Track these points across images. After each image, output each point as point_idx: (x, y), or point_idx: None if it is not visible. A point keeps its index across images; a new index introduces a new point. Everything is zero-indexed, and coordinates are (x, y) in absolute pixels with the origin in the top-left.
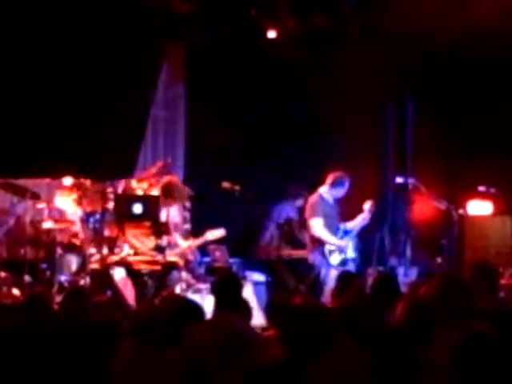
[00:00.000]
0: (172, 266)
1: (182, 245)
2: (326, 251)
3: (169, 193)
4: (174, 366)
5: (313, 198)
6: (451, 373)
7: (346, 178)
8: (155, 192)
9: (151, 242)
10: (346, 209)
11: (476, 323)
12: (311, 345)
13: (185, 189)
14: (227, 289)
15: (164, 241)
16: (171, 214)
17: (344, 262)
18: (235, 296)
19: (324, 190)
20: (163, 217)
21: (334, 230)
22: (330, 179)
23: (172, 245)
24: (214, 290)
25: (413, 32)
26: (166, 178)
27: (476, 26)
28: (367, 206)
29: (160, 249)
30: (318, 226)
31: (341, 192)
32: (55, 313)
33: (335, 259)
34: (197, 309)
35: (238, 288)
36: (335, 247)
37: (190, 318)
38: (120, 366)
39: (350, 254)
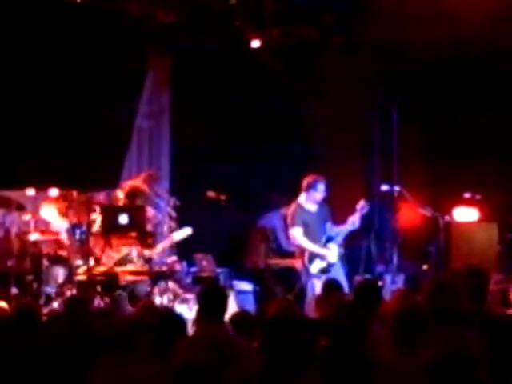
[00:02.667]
0: (159, 275)
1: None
2: (307, 259)
3: (132, 198)
4: (158, 379)
5: (292, 208)
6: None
7: (319, 181)
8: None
9: (116, 254)
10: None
11: (464, 330)
12: (289, 356)
13: (148, 193)
14: (212, 298)
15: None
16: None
17: (325, 270)
18: (221, 306)
19: (302, 199)
20: None
21: (315, 238)
22: (303, 185)
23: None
24: (199, 300)
25: (397, 40)
26: (128, 184)
27: (459, 34)
28: (359, 205)
29: (147, 260)
30: (297, 235)
31: (318, 195)
32: (44, 324)
33: (315, 267)
34: (179, 320)
35: (224, 297)
36: (316, 255)
37: (173, 329)
38: (102, 378)
39: (333, 259)
